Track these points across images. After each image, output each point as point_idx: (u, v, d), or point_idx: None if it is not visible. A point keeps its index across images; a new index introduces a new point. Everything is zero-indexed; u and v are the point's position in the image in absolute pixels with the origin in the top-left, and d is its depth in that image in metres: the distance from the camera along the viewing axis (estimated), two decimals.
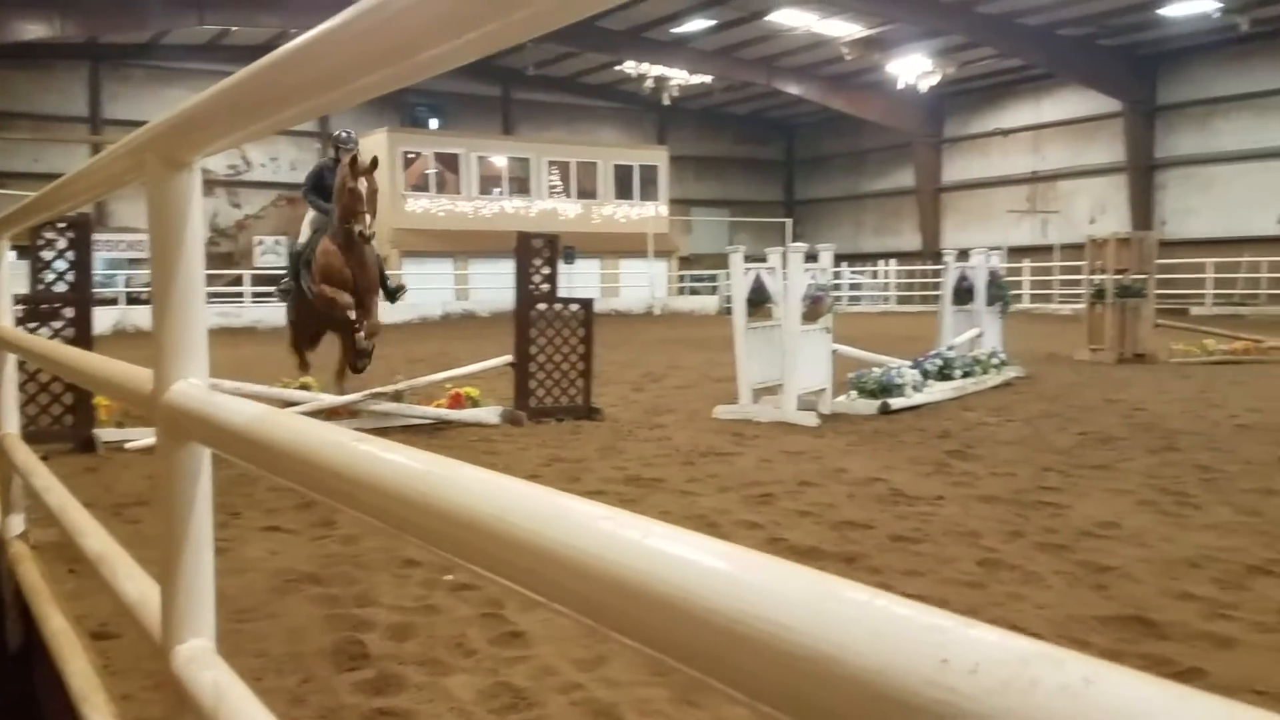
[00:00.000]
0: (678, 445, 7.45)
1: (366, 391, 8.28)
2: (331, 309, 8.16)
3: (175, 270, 1.44)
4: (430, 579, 4.11)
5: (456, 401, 8.50)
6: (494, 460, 6.36)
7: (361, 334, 8.13)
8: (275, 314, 26.14)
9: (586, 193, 32.93)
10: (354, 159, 7.96)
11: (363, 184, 7.85)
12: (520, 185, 32.04)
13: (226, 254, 30.23)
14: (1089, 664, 0.34)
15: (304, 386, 8.57)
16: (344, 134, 8.86)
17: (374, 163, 8.08)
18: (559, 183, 32.79)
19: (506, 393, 8.86)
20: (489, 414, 8.49)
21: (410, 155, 30.67)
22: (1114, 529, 4.87)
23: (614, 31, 29.49)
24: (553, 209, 31.76)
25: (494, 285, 27.72)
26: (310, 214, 8.77)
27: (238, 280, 27.68)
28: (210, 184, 31.22)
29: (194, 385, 1.43)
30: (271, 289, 27.76)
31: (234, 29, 28.82)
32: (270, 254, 30.48)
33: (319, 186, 8.66)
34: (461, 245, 29.81)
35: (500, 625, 3.57)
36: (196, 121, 1.33)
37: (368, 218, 7.88)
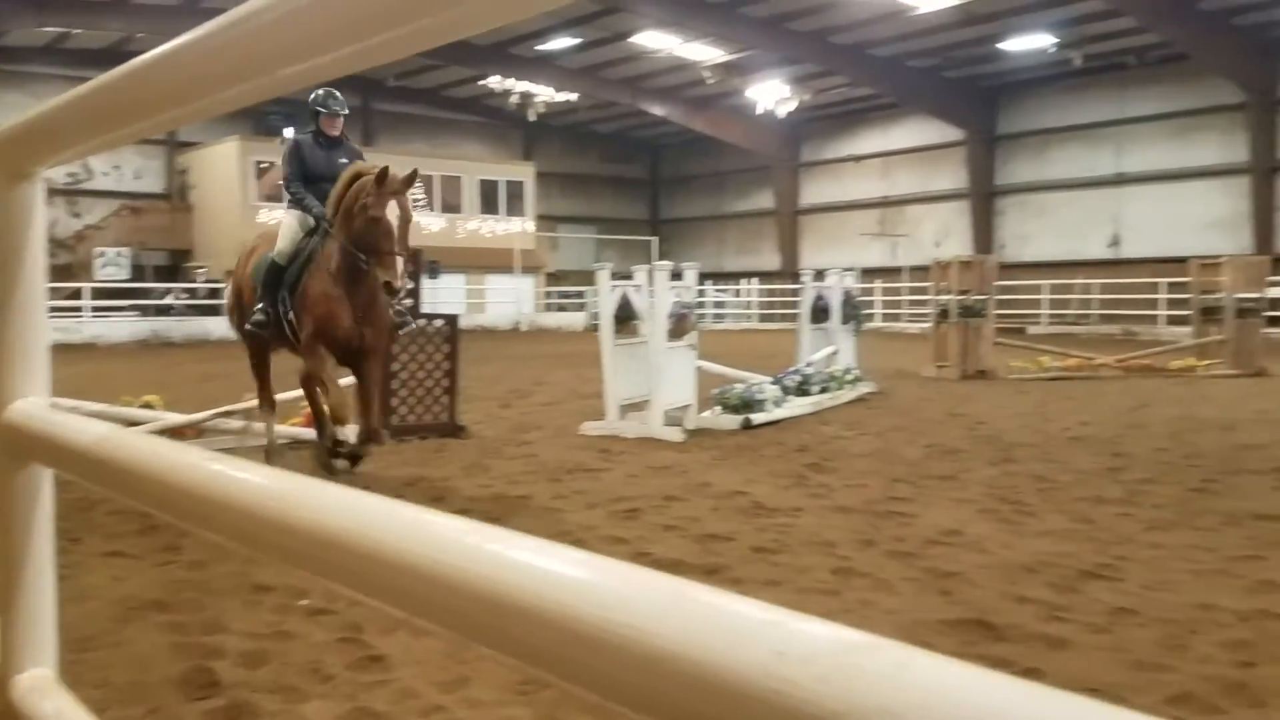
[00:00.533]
0: (544, 462, 7.44)
1: (214, 410, 7.95)
2: (314, 382, 6.14)
3: (15, 285, 1.38)
4: (284, 604, 3.98)
5: (311, 420, 8.25)
6: (354, 480, 6.21)
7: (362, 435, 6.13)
8: (116, 330, 24.90)
9: (451, 207, 32.56)
10: (384, 171, 5.54)
11: (392, 210, 5.53)
12: None
13: (65, 266, 28.55)
14: (904, 650, 0.39)
15: (147, 405, 8.17)
16: (321, 93, 6.39)
17: (411, 177, 5.72)
18: (422, 196, 32.31)
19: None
20: (348, 432, 8.28)
21: (263, 165, 29.81)
22: (958, 536, 5.13)
23: (478, 46, 29.35)
24: (415, 223, 31.24)
25: None
26: (290, 215, 6.39)
27: (76, 294, 26.18)
28: (48, 192, 29.41)
29: (35, 404, 1.37)
30: (115, 303, 26.49)
31: (76, 32, 27.36)
32: (112, 265, 28.97)
33: (304, 172, 6.32)
34: None
35: (359, 650, 3.49)
36: (43, 131, 1.28)
37: (399, 261, 5.55)
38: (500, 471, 7.07)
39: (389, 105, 35.21)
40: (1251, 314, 14.63)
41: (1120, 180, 28.85)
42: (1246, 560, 4.63)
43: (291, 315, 6.04)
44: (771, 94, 31.71)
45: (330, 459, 6.35)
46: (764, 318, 33.65)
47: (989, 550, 4.86)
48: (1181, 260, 18.52)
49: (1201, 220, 26.68)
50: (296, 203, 6.30)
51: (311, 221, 6.18)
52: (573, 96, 33.55)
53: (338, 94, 6.45)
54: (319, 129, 6.40)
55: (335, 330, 5.86)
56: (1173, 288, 23.01)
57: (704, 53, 29.74)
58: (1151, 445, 8.06)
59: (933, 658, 0.39)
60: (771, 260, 37.41)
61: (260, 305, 6.18)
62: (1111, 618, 3.85)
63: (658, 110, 34.81)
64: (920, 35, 27.08)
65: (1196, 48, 24.68)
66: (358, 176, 5.72)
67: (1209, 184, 26.96)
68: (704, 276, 22.81)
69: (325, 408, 6.18)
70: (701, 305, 29.48)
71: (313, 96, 6.40)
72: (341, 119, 6.43)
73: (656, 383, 8.72)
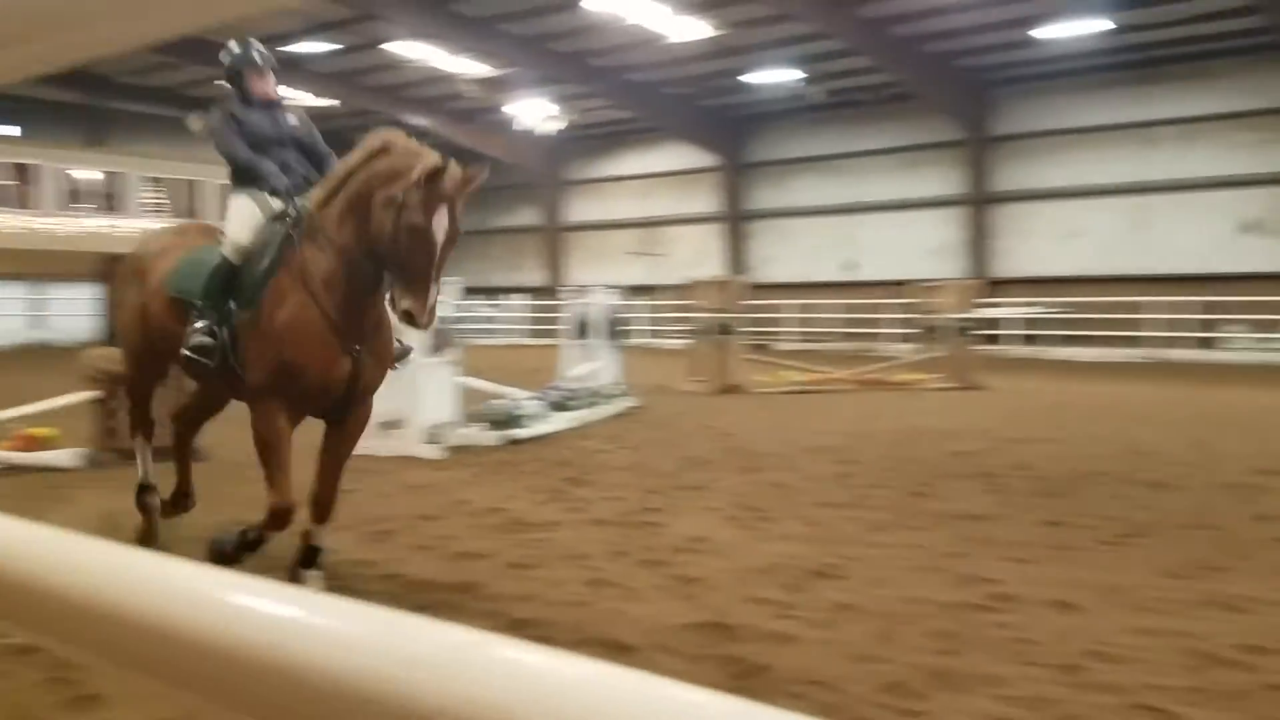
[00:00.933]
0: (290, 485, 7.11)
1: None
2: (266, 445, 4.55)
3: None
4: None
5: (26, 443, 7.54)
6: (69, 510, 5.71)
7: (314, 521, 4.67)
8: None
9: (190, 213, 30.54)
10: (436, 170, 3.91)
11: (440, 222, 3.92)
12: (111, 202, 29.10)
13: None
14: (507, 645, 0.43)
15: None
16: (235, 47, 4.90)
17: (471, 177, 4.01)
18: (163, 200, 30.14)
19: (91, 432, 7.97)
20: (67, 457, 7.61)
21: None
22: (704, 543, 5.37)
23: (218, 45, 27.77)
24: (149, 229, 29.15)
25: (78, 313, 24.98)
26: (242, 197, 4.68)
27: None
28: None
29: None
30: None
31: None
32: None
33: (251, 141, 4.73)
34: (38, 267, 26.53)
35: (71, 689, 3.23)
36: None
37: (434, 290, 3.99)
38: (240, 496, 6.66)
39: (120, 103, 32.59)
40: (967, 333, 16.16)
41: (856, 208, 31.08)
42: (954, 556, 5.13)
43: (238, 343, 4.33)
44: (535, 111, 31.95)
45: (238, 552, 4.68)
46: (530, 333, 33.75)
47: (730, 555, 5.12)
48: (909, 283, 20.19)
49: (927, 246, 29.19)
50: (246, 173, 4.65)
51: (274, 204, 4.52)
52: (330, 102, 32.38)
53: (256, 42, 4.93)
54: (247, 96, 4.79)
55: (311, 374, 4.25)
56: (901, 308, 25.04)
57: (467, 66, 29.54)
58: (878, 453, 8.75)
59: (537, 650, 0.43)
60: (537, 276, 37.62)
61: (203, 324, 4.36)
62: (834, 613, 4.16)
63: (419, 121, 34.19)
64: (674, 64, 28.12)
65: (921, 87, 27.05)
66: (383, 150, 4.12)
67: (933, 213, 29.54)
68: (470, 291, 22.52)
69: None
70: (467, 321, 29.17)
71: (227, 59, 4.88)
72: (272, 74, 4.88)
73: (415, 400, 8.56)
